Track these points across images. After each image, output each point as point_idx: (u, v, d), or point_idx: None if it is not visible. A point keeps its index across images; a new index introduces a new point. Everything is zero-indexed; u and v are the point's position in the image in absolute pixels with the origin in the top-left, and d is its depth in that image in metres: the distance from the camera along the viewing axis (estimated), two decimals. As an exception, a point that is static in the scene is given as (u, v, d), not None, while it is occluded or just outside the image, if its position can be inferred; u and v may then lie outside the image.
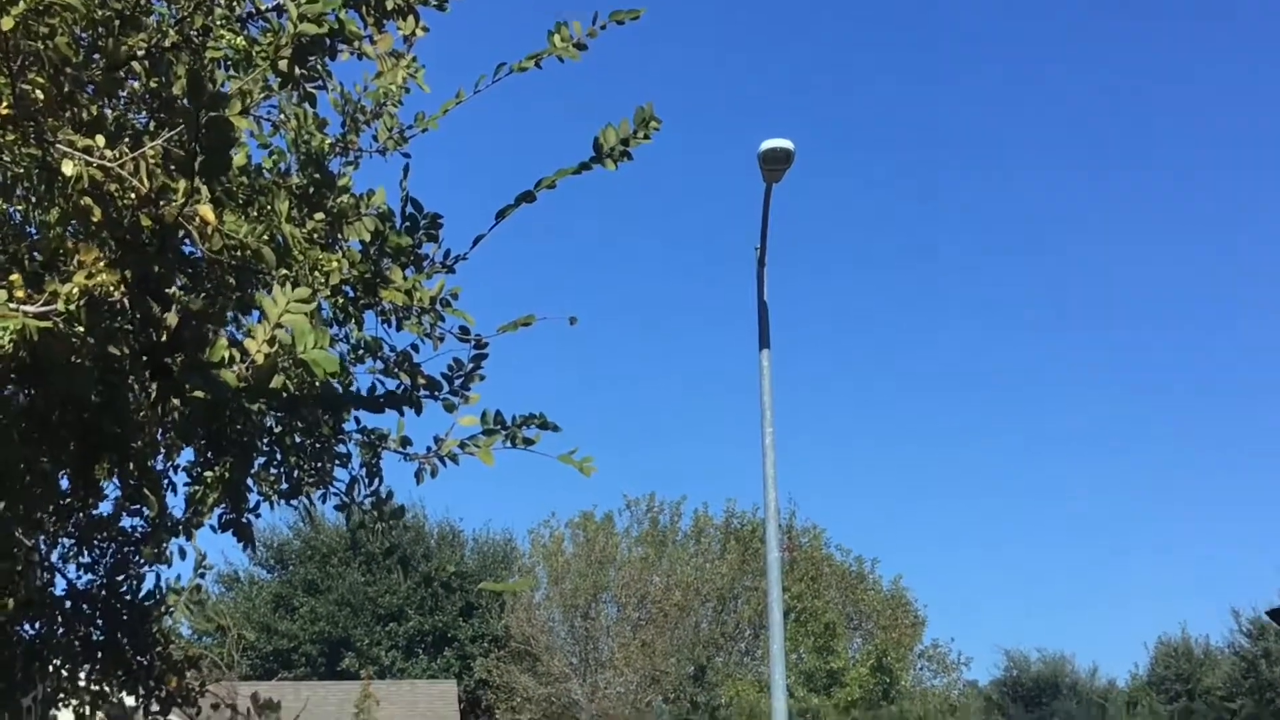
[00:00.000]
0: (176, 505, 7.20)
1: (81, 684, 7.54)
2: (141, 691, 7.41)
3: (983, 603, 69.80)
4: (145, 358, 5.00)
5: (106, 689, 7.50)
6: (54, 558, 7.54)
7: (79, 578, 7.53)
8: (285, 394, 5.51)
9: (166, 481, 7.29)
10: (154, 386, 5.09)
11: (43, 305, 4.38)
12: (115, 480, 7.05)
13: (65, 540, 7.48)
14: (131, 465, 6.88)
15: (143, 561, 7.36)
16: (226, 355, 4.91)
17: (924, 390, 72.47)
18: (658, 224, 73.22)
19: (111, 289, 4.51)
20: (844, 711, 30.44)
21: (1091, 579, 71.72)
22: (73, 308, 4.45)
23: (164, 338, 5.00)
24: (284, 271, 5.60)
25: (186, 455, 7.16)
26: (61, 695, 7.56)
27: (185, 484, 7.20)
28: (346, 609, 42.19)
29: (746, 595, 38.44)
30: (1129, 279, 72.20)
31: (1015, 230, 74.09)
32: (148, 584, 7.49)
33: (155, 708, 7.43)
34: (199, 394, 5.11)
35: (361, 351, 6.85)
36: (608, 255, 71.42)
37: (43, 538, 7.33)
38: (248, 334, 5.00)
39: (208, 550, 7.52)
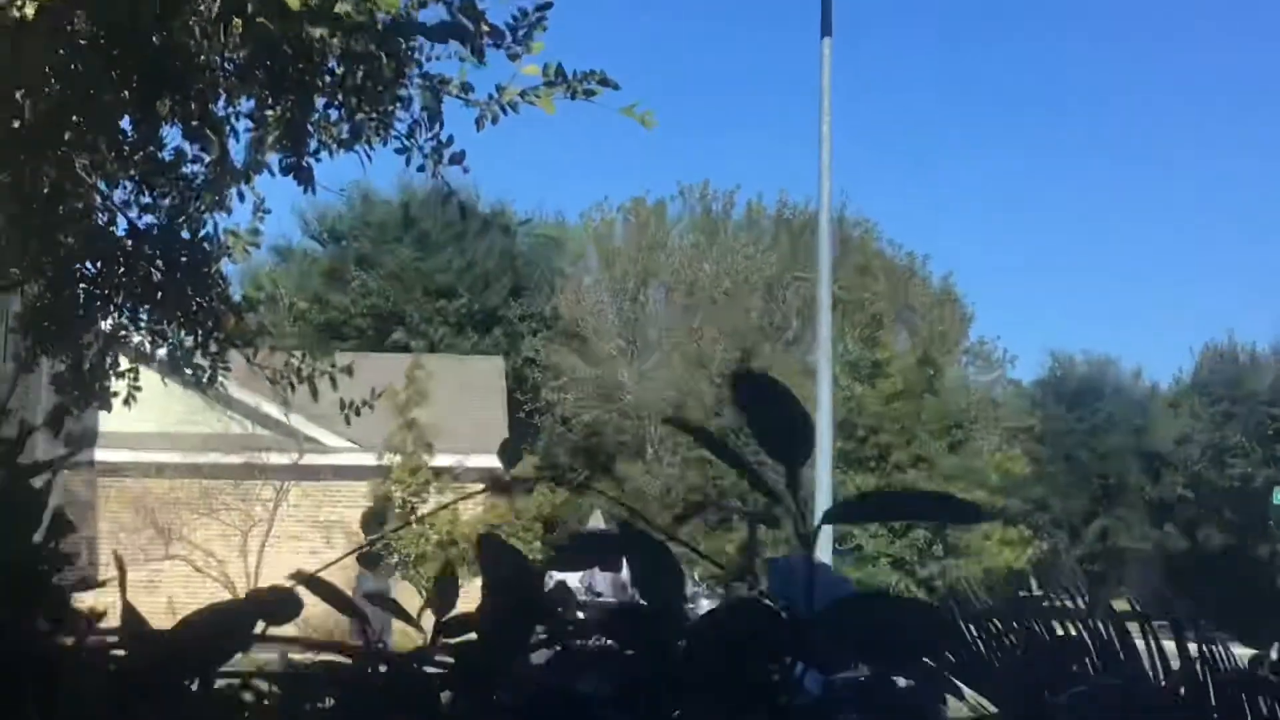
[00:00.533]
0: (237, 154, 7.07)
1: (142, 323, 7.56)
2: (200, 332, 7.42)
3: (1031, 304, 69.99)
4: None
5: (166, 328, 7.52)
6: (116, 198, 7.47)
7: (140, 219, 7.47)
8: (345, 20, 5.29)
9: (228, 128, 7.14)
10: (216, 4, 4.87)
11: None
12: (178, 125, 6.92)
13: (127, 184, 7.40)
14: (193, 105, 6.72)
15: (203, 207, 7.27)
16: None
17: (985, 87, 70.89)
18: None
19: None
20: (887, 402, 30.80)
21: (1142, 285, 71.61)
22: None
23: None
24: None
25: (248, 106, 7.00)
26: (122, 333, 7.59)
27: (246, 130, 7.06)
28: (398, 284, 42.57)
29: (795, 285, 38.46)
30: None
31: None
32: (207, 228, 7.42)
33: (214, 348, 7.45)
34: (260, 18, 4.89)
35: (428, -4, 6.59)
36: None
37: (104, 179, 7.25)
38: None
39: (265, 231, 7.43)
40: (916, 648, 0.84)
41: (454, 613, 0.90)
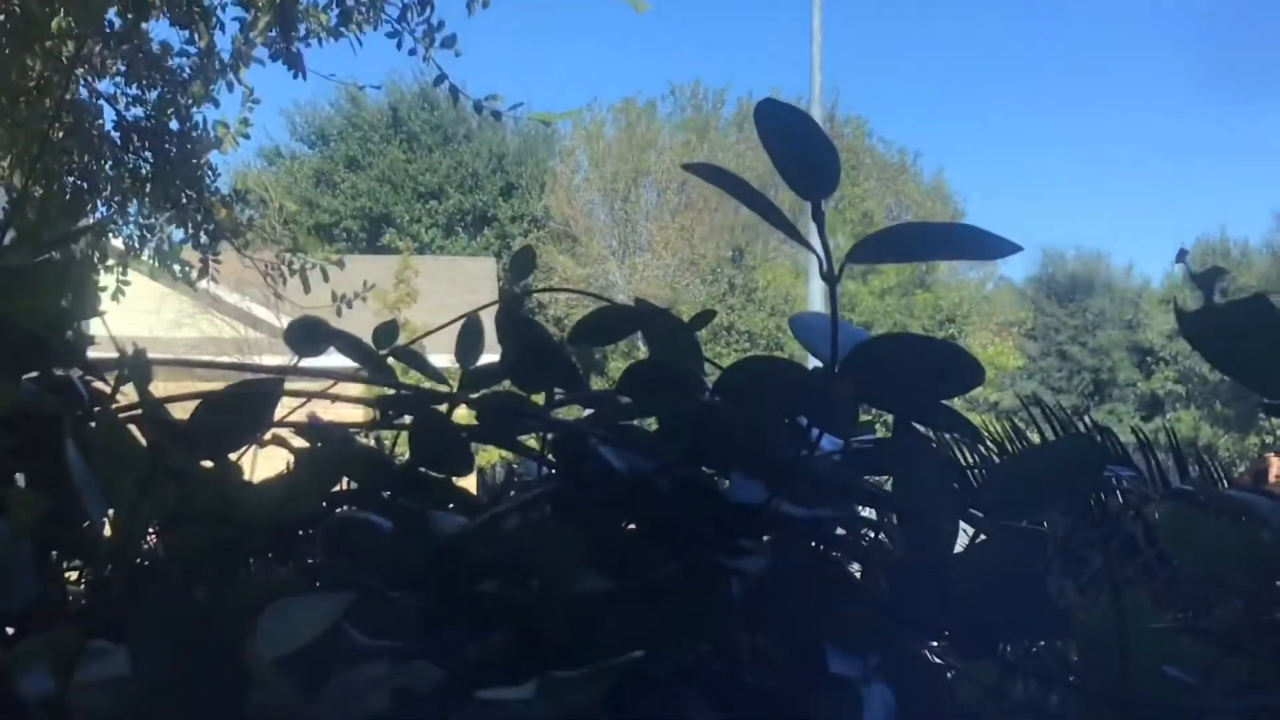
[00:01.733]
0: (225, 46, 6.99)
1: (131, 215, 7.51)
2: (190, 225, 7.38)
3: (1023, 200, 69.68)
4: None
5: (155, 221, 7.48)
6: (103, 90, 7.39)
7: (127, 112, 7.39)
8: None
9: (216, 19, 7.05)
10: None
11: None
12: (165, 14, 6.83)
13: (115, 77, 7.31)
14: (179, -6, 6.63)
15: (191, 100, 7.20)
16: None
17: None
18: None
19: None
20: (879, 297, 30.87)
21: (1134, 179, 71.38)
22: None
23: None
24: None
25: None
26: (111, 226, 7.54)
27: (234, 19, 6.98)
28: (387, 185, 42.39)
29: (786, 192, 38.18)
30: None
31: None
32: (197, 119, 7.36)
33: (204, 240, 7.42)
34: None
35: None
36: None
37: (90, 72, 7.17)
38: None
39: (255, 120, 7.35)
40: (940, 387, 0.84)
41: (481, 363, 0.91)
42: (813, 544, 0.91)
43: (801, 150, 0.81)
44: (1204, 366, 42.60)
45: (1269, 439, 37.85)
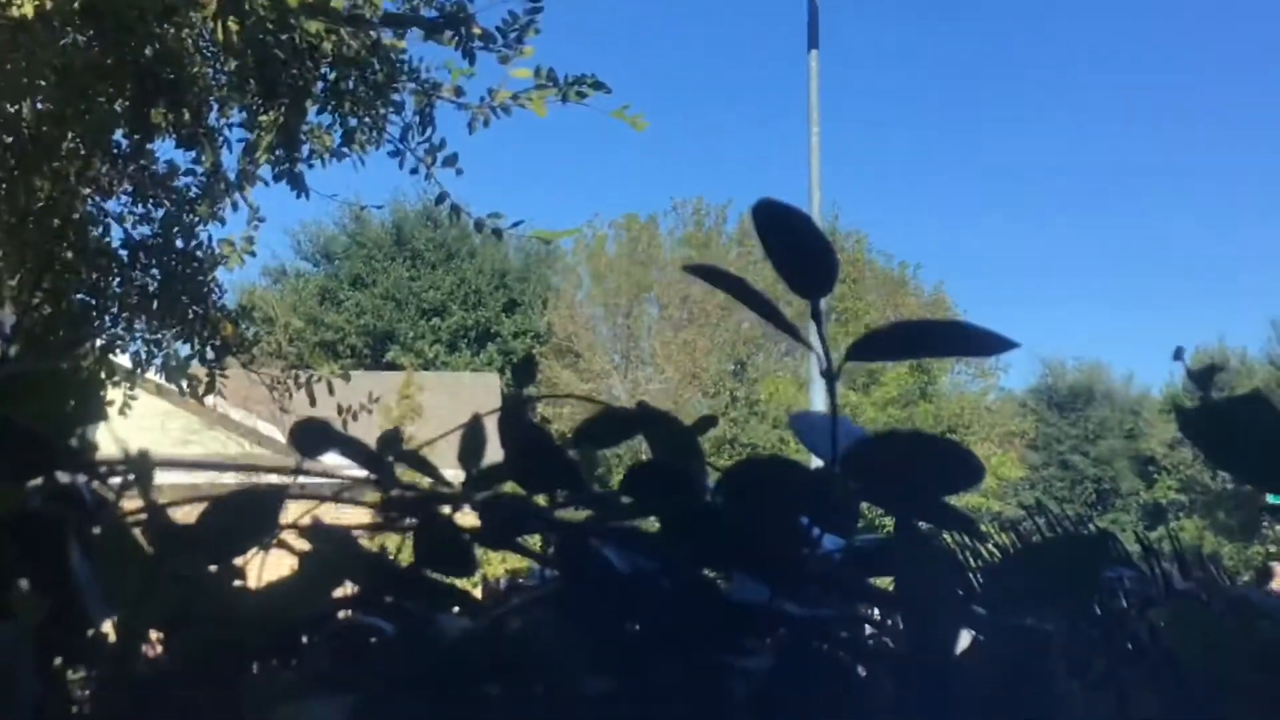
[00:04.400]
0: (231, 166, 7.09)
1: (138, 331, 7.56)
2: (196, 340, 7.43)
3: (1023, 313, 70.03)
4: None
5: (162, 337, 7.53)
6: (111, 210, 7.48)
7: (135, 230, 7.48)
8: (343, 14, 5.32)
9: (221, 139, 7.16)
10: (214, 0, 4.88)
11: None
12: (172, 136, 6.94)
13: (122, 195, 7.42)
14: (186, 115, 6.74)
15: (197, 219, 7.29)
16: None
17: (973, 98, 71.09)
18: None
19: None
20: (881, 408, 30.87)
21: (1133, 294, 71.76)
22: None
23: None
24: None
25: (241, 118, 7.03)
26: (118, 343, 7.59)
27: (240, 140, 7.09)
28: (391, 303, 42.68)
29: (789, 297, 38.30)
30: None
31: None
32: (202, 238, 7.43)
33: (210, 356, 7.46)
34: (261, 8, 4.90)
35: (418, 1, 6.63)
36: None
37: (98, 191, 7.26)
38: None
39: (260, 238, 7.44)
40: (941, 485, 0.85)
41: (484, 466, 0.92)
42: (816, 644, 0.91)
43: (800, 249, 0.82)
44: (1206, 475, 42.47)
45: (1272, 548, 37.63)
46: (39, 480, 0.85)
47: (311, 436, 0.98)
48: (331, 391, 7.49)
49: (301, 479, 1.12)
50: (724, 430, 33.43)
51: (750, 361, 37.48)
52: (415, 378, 26.97)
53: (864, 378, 32.06)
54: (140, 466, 0.85)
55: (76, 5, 4.37)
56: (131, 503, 0.93)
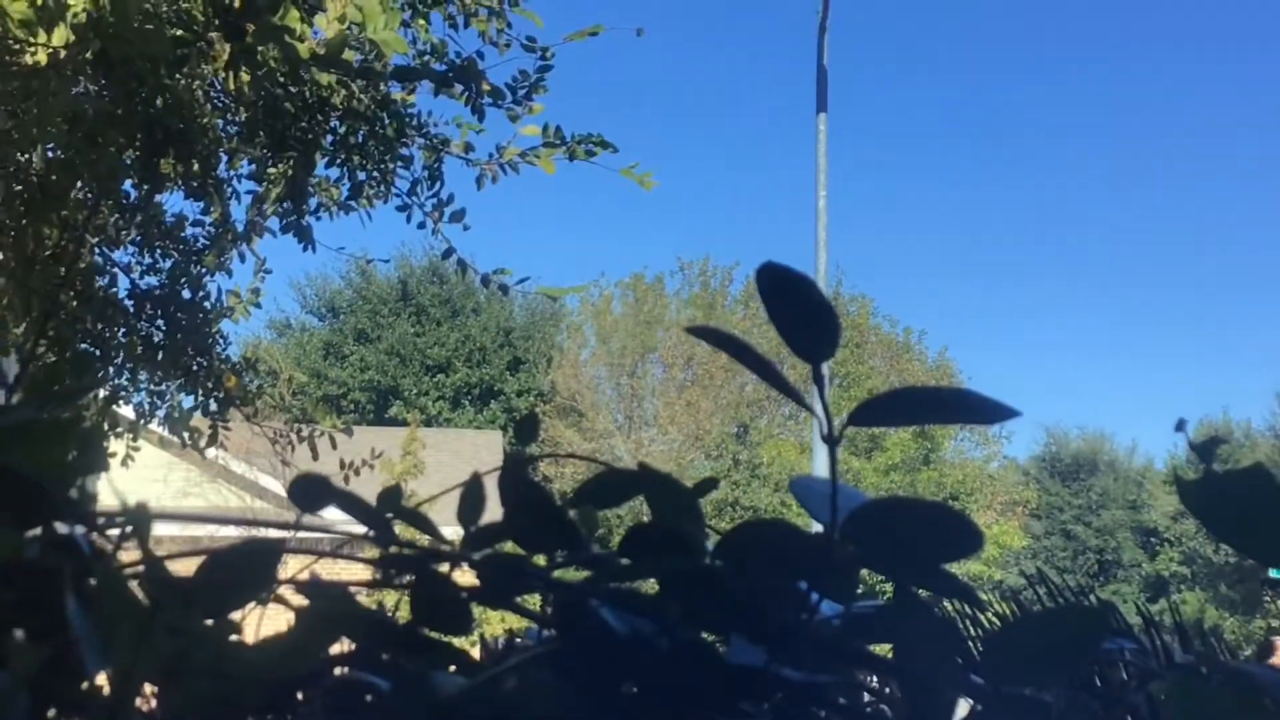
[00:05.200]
0: (239, 217, 7.13)
1: (142, 382, 7.57)
2: (200, 392, 7.43)
3: (1027, 381, 70.05)
4: (219, 21, 4.82)
5: (165, 388, 7.53)
6: (118, 260, 7.51)
7: (141, 280, 7.50)
8: (355, 67, 5.35)
9: (230, 190, 7.20)
10: (226, 50, 4.91)
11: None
12: (180, 186, 6.98)
13: (129, 245, 7.45)
14: (195, 165, 6.78)
15: (204, 270, 7.31)
16: (298, 29, 4.74)
17: (980, 165, 71.48)
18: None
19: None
20: (884, 474, 30.80)
21: (1137, 362, 71.79)
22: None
23: (238, 3, 4.83)
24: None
25: (250, 169, 7.07)
26: (122, 394, 7.60)
27: (248, 192, 7.13)
28: (395, 359, 42.76)
29: (792, 360, 38.29)
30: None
31: None
32: (208, 289, 7.46)
33: (214, 407, 7.47)
34: (272, 60, 4.94)
35: (428, 57, 6.68)
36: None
37: (105, 242, 7.29)
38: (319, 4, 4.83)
39: (266, 290, 7.48)
40: (940, 551, 0.85)
41: (482, 524, 0.92)
42: (813, 709, 0.90)
43: (803, 313, 0.83)
44: (1209, 548, 42.32)
45: (1275, 622, 37.43)
46: (37, 530, 0.85)
47: (311, 491, 0.98)
48: (334, 446, 7.49)
49: (300, 534, 1.12)
50: (725, 493, 33.37)
51: (753, 424, 37.45)
52: (418, 434, 26.98)
53: (867, 443, 32.01)
54: (138, 518, 0.85)
55: (89, 54, 4.40)
56: (129, 554, 0.92)
